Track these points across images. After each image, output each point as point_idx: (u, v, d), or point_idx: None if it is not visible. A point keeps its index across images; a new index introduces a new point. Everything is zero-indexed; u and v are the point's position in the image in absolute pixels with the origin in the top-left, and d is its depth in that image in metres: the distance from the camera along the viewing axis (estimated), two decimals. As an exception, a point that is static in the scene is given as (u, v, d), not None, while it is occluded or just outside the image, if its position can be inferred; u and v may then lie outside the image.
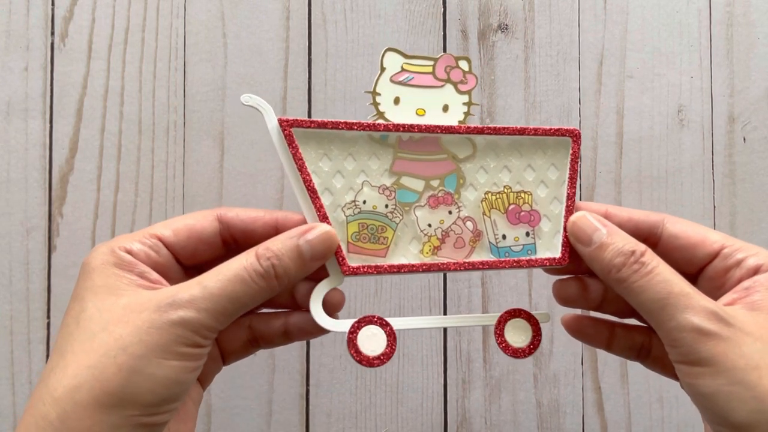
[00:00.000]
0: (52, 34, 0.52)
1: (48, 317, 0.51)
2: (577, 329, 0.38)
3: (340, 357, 0.54)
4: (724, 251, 0.35)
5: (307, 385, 0.54)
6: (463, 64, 0.36)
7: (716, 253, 0.35)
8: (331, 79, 0.54)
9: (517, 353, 0.36)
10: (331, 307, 0.35)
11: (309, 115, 0.54)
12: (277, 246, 0.32)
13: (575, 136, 0.37)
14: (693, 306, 0.31)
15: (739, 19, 0.58)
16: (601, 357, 0.56)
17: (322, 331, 0.34)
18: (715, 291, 0.35)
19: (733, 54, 0.58)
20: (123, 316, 0.30)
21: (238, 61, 0.54)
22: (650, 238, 0.36)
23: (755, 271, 0.33)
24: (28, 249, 0.51)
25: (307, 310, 0.34)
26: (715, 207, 0.57)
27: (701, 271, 0.36)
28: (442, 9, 0.55)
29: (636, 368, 0.56)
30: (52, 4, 0.52)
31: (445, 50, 0.55)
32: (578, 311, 0.42)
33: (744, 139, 0.57)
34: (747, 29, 0.58)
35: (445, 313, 0.55)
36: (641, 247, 0.33)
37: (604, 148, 0.56)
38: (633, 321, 0.39)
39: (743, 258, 0.34)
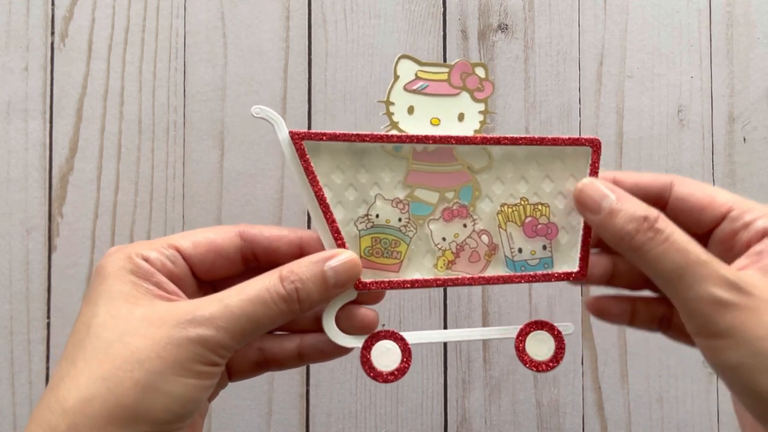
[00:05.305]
0: (52, 34, 0.52)
1: (48, 317, 0.51)
2: (601, 309, 0.37)
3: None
4: (732, 213, 0.34)
5: (307, 385, 0.54)
6: (480, 71, 0.35)
7: (724, 215, 0.34)
8: (331, 79, 0.54)
9: (539, 367, 0.35)
10: (363, 327, 0.34)
11: (309, 116, 0.54)
12: (302, 270, 0.31)
13: (595, 145, 0.36)
14: (711, 276, 0.30)
15: (739, 19, 0.58)
16: (601, 357, 0.56)
17: (339, 351, 0.34)
18: (725, 254, 0.34)
19: (733, 54, 0.58)
20: (140, 328, 0.29)
21: (238, 61, 0.54)
22: (659, 201, 0.35)
23: (764, 233, 0.32)
24: (28, 249, 0.51)
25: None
26: (715, 207, 0.57)
27: (711, 233, 0.35)
28: (442, 9, 0.55)
29: (636, 368, 0.56)
30: (52, 4, 0.52)
31: (445, 50, 0.55)
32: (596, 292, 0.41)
33: (744, 139, 0.57)
34: (747, 29, 0.58)
35: (445, 313, 0.55)
36: (653, 212, 0.32)
37: (604, 148, 0.56)
38: (647, 293, 0.38)
39: (751, 220, 0.33)
